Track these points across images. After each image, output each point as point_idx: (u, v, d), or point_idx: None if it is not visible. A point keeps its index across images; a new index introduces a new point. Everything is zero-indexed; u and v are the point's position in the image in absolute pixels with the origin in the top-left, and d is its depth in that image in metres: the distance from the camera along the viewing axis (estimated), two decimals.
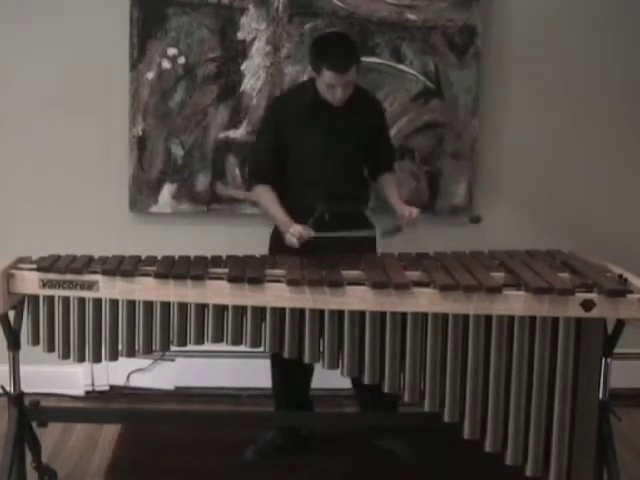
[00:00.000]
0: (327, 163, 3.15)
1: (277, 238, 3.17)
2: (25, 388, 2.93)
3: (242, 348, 2.79)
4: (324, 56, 3.01)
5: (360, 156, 3.26)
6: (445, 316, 2.64)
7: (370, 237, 3.12)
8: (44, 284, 2.74)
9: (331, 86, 3.02)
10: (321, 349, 2.72)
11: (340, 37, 3.21)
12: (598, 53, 3.76)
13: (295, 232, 2.91)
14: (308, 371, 3.33)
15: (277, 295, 2.67)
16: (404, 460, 3.30)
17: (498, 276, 2.75)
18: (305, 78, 3.63)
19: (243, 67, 3.66)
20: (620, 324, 2.72)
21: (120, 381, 3.88)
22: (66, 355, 2.81)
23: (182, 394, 3.86)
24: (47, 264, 2.76)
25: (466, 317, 2.64)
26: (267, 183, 3.18)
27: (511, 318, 2.63)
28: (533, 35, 3.73)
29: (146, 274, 2.73)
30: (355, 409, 3.61)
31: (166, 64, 3.65)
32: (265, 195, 3.17)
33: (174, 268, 2.76)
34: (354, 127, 3.16)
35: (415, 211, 3.06)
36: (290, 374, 3.31)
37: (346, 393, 3.64)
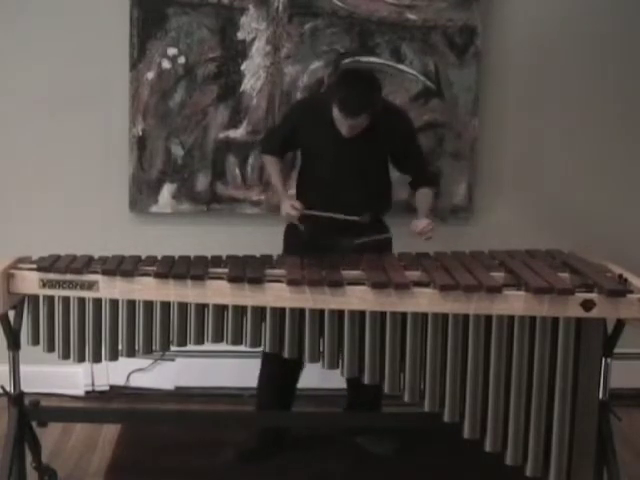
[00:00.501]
0: (338, 172, 3.16)
1: (289, 233, 3.28)
2: (25, 388, 2.93)
3: (242, 348, 2.78)
4: (339, 94, 2.97)
5: (381, 168, 3.26)
6: (445, 316, 2.64)
7: (357, 222, 3.06)
8: (44, 284, 2.74)
9: (339, 121, 3.01)
10: (321, 349, 2.72)
11: (363, 81, 3.04)
12: (598, 53, 3.76)
13: (286, 216, 3.11)
14: (297, 372, 3.34)
15: (277, 295, 2.67)
16: (381, 457, 3.32)
17: (498, 276, 2.75)
18: (305, 78, 3.65)
19: (243, 67, 3.66)
20: (620, 324, 2.72)
21: (120, 381, 3.88)
22: (66, 355, 2.81)
23: (182, 394, 3.86)
24: (47, 264, 2.76)
25: (466, 317, 2.63)
26: (275, 155, 3.31)
27: (511, 318, 2.63)
28: (533, 35, 3.73)
29: (146, 274, 2.73)
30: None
31: (166, 64, 3.65)
32: (271, 165, 3.34)
33: (174, 268, 2.76)
34: (373, 144, 3.13)
35: (421, 227, 3.05)
36: (280, 375, 3.31)
37: (346, 393, 3.63)
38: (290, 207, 3.08)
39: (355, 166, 3.16)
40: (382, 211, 3.29)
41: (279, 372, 3.30)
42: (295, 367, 3.31)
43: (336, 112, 2.98)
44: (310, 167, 3.27)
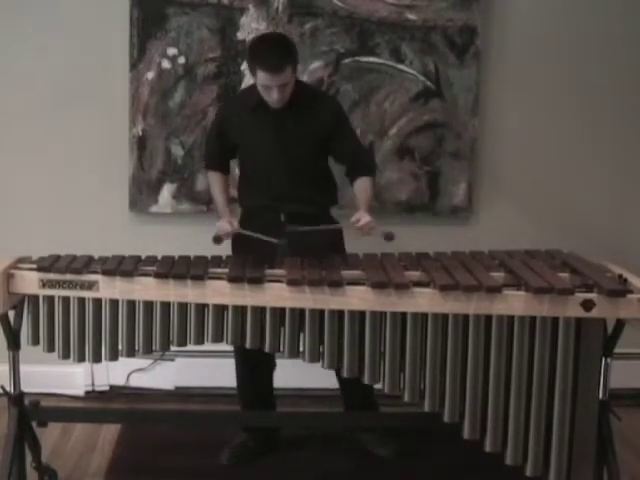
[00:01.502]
0: (275, 164, 3.12)
1: (236, 238, 3.19)
2: (25, 388, 2.92)
3: None
4: (257, 56, 2.94)
5: (317, 157, 3.18)
6: (445, 316, 2.64)
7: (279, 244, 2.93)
8: (44, 284, 2.73)
9: (266, 87, 2.95)
10: (321, 349, 2.72)
11: (275, 38, 3.13)
12: (598, 53, 3.76)
13: (221, 228, 2.98)
14: (271, 367, 3.34)
15: (277, 295, 2.67)
16: (383, 458, 3.31)
17: (498, 276, 2.75)
18: (305, 78, 3.64)
19: (243, 67, 3.66)
20: (620, 324, 2.71)
21: (120, 381, 3.88)
22: (66, 355, 2.81)
23: (182, 394, 3.86)
24: (47, 264, 2.76)
25: (466, 317, 2.63)
26: (217, 170, 3.26)
27: (511, 318, 2.63)
28: (533, 35, 3.73)
29: (146, 274, 2.73)
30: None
31: (166, 64, 3.66)
32: (213, 182, 3.27)
33: (174, 268, 2.76)
34: (303, 128, 3.08)
35: (364, 220, 2.88)
36: (255, 374, 3.31)
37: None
38: (226, 223, 3.00)
39: (291, 156, 3.10)
40: (327, 205, 3.23)
41: (253, 372, 3.30)
42: (267, 367, 3.33)
43: (261, 76, 2.92)
44: (248, 165, 3.23)
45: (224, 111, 3.26)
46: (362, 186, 3.11)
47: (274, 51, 2.93)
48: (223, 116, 3.23)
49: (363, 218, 2.89)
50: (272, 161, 3.13)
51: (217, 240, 2.86)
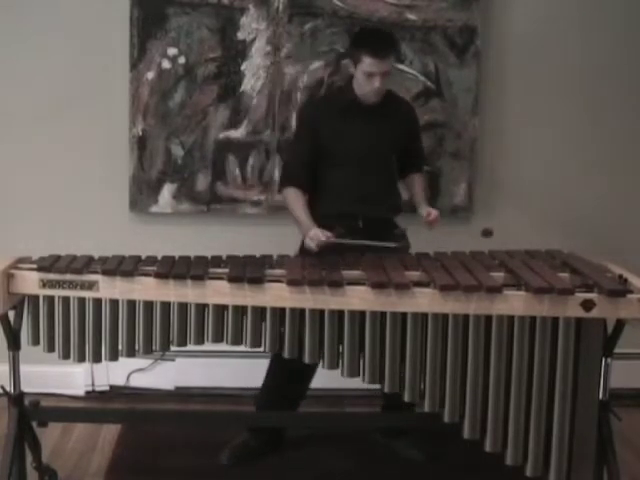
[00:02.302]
0: (362, 166, 3.16)
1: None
2: (25, 388, 2.92)
3: (242, 348, 2.78)
4: (365, 43, 3.05)
5: (393, 160, 3.28)
6: (445, 316, 2.64)
7: (391, 248, 2.98)
8: (44, 284, 2.73)
9: (370, 75, 3.01)
10: (321, 349, 2.72)
11: (380, 28, 3.39)
12: (598, 53, 3.76)
13: (314, 236, 2.96)
14: (311, 372, 3.31)
15: (277, 295, 2.67)
16: (414, 461, 3.29)
17: (498, 276, 2.75)
18: (305, 78, 3.65)
19: (243, 67, 3.66)
20: (620, 324, 2.71)
21: (120, 381, 3.88)
22: (66, 355, 2.81)
23: (182, 394, 3.86)
24: (47, 264, 2.76)
25: (466, 317, 2.63)
26: (297, 186, 3.17)
27: (511, 318, 2.63)
28: (533, 35, 3.74)
29: (146, 274, 2.73)
30: (356, 409, 3.62)
31: (166, 64, 3.66)
32: (293, 198, 3.16)
33: (174, 268, 2.76)
34: (390, 130, 3.18)
35: (434, 213, 3.08)
36: (294, 375, 3.28)
37: (346, 393, 3.64)
38: (320, 233, 2.94)
39: (378, 156, 3.19)
40: (397, 210, 3.27)
41: (292, 376, 3.25)
42: (305, 382, 3.31)
43: (366, 62, 3.00)
44: (332, 170, 3.17)
45: (312, 111, 3.26)
46: (418, 183, 3.33)
47: (381, 38, 3.09)
48: (312, 117, 3.21)
49: (433, 212, 3.08)
50: (362, 161, 3.16)
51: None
